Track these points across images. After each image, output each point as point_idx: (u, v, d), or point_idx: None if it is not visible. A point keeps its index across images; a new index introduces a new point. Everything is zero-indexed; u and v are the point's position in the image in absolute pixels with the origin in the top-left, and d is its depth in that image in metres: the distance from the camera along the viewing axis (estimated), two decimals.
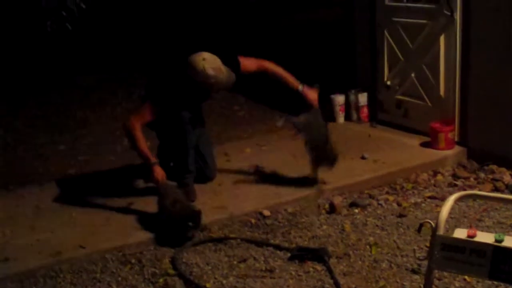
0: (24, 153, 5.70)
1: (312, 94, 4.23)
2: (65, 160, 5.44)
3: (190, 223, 3.71)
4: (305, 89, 4.22)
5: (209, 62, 3.92)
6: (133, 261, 3.56)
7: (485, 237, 2.20)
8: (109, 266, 3.52)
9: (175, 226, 3.72)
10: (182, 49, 8.30)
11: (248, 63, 4.25)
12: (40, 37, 9.72)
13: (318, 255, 3.48)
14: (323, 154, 4.21)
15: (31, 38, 9.59)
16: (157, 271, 3.44)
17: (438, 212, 2.90)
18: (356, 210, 4.10)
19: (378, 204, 4.18)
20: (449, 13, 4.76)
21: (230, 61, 4.08)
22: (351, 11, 5.81)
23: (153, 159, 4.04)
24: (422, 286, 3.13)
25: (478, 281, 3.15)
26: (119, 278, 3.39)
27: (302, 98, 4.19)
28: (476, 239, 2.19)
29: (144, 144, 4.02)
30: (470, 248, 2.15)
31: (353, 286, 3.22)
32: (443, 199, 4.11)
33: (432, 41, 4.96)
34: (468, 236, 2.21)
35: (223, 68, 3.96)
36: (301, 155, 4.91)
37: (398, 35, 5.28)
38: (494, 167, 4.56)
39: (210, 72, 3.88)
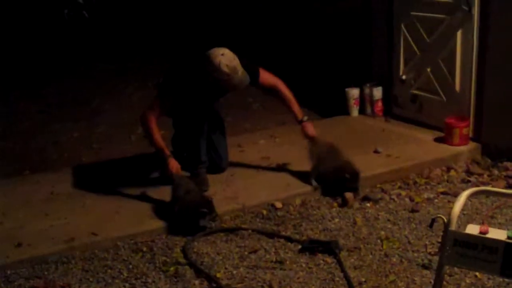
0: (39, 139, 5.74)
1: (311, 129, 4.29)
2: (79, 148, 5.48)
3: (205, 209, 3.71)
4: (305, 122, 4.28)
5: (226, 59, 3.90)
6: (144, 249, 3.58)
7: (497, 234, 2.18)
8: (121, 253, 3.55)
9: (188, 215, 3.73)
10: (203, 42, 8.32)
11: (266, 77, 4.24)
12: (57, 25, 9.78)
13: (329, 248, 3.49)
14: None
15: (48, 25, 9.64)
16: (168, 259, 3.47)
17: (451, 208, 2.89)
18: (368, 204, 4.09)
19: (390, 198, 4.17)
20: (467, 8, 4.72)
21: (250, 68, 4.07)
22: (368, 4, 5.78)
23: (168, 152, 4.05)
24: (432, 281, 3.13)
25: (489, 278, 3.15)
26: (130, 266, 3.42)
27: (302, 129, 4.28)
28: (488, 235, 2.18)
29: (159, 137, 4.04)
30: (482, 244, 2.14)
31: (363, 279, 3.22)
32: (456, 195, 4.09)
33: (449, 36, 4.93)
34: (480, 232, 2.20)
35: (239, 68, 3.92)
36: None
37: (415, 29, 5.25)
38: (509, 164, 4.53)
39: (224, 69, 3.86)
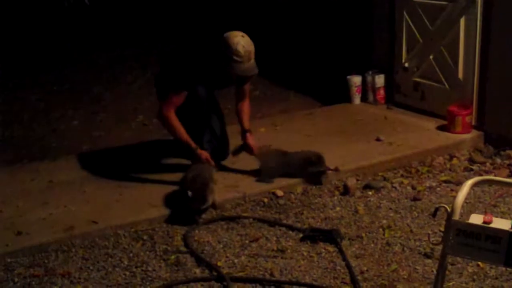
0: (39, 128, 5.72)
1: (253, 139, 4.28)
2: (79, 136, 5.45)
3: (189, 192, 3.65)
4: (250, 133, 4.28)
5: (245, 41, 3.93)
6: (145, 237, 3.57)
7: (501, 224, 2.16)
8: (121, 242, 3.53)
9: (191, 199, 3.70)
10: (205, 28, 8.27)
11: (248, 86, 4.39)
12: (57, 12, 9.72)
13: (330, 236, 3.47)
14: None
15: (48, 12, 9.58)
16: (169, 248, 3.45)
17: (453, 197, 2.84)
18: (370, 193, 4.07)
19: (392, 187, 4.15)
20: None
21: None
22: None
23: (194, 144, 4.07)
24: (434, 270, 3.12)
25: (491, 267, 3.13)
26: (131, 254, 3.40)
27: (246, 139, 4.26)
28: (492, 225, 2.15)
29: (183, 131, 4.06)
30: (486, 234, 2.11)
31: (365, 268, 3.20)
32: (458, 183, 4.08)
33: (452, 23, 4.89)
34: (484, 222, 2.17)
35: (253, 56, 3.97)
36: (316, 135, 4.91)
37: (418, 16, 5.21)
38: (511, 152, 4.50)
39: (240, 49, 3.89)
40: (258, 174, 4.18)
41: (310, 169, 4.10)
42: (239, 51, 3.89)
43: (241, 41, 3.91)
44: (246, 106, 4.38)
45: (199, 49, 4.20)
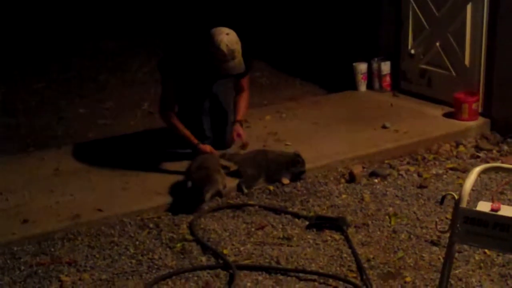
0: (44, 116, 5.71)
1: (240, 131, 4.22)
2: (85, 124, 5.44)
3: (188, 183, 3.70)
4: (238, 125, 4.23)
5: (229, 40, 3.87)
6: (151, 225, 3.57)
7: (509, 211, 2.15)
8: (127, 230, 3.54)
9: (191, 190, 3.71)
10: (206, 16, 8.24)
11: (247, 80, 4.33)
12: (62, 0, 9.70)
13: (336, 224, 3.47)
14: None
15: (54, 0, 9.57)
16: (174, 236, 3.45)
17: (460, 184, 2.82)
18: (376, 180, 4.06)
19: (399, 174, 4.13)
20: None
21: (246, 62, 4.04)
22: None
23: (195, 140, 4.10)
24: (441, 258, 3.11)
25: (498, 255, 3.12)
26: (137, 242, 3.41)
27: (235, 129, 4.21)
28: (500, 212, 2.14)
29: (183, 128, 4.11)
30: (494, 222, 2.10)
31: (371, 256, 3.19)
32: (464, 171, 4.06)
33: (459, 9, 4.84)
34: (492, 210, 2.16)
35: (238, 55, 3.91)
36: (322, 123, 4.89)
37: (424, 2, 5.16)
38: None
39: (223, 48, 3.84)
40: (240, 177, 4.02)
41: (293, 169, 4.03)
42: (222, 50, 3.84)
43: (225, 39, 3.85)
44: (242, 99, 4.33)
45: (191, 41, 4.18)
